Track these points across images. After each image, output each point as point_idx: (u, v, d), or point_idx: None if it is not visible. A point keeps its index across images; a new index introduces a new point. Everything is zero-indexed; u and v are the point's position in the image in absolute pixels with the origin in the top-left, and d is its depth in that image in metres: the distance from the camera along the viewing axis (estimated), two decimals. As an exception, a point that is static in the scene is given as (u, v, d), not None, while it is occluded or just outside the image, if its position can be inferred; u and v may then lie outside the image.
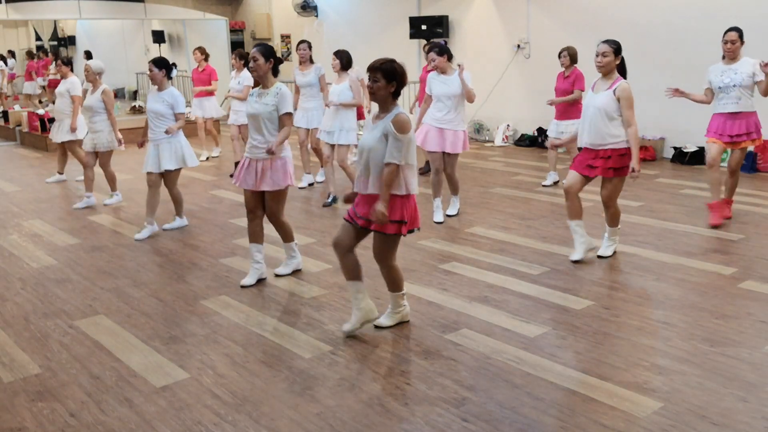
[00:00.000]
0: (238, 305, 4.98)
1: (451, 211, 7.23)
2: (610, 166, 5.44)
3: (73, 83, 8.82)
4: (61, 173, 9.69)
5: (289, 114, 5.20)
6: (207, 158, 11.24)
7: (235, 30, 16.88)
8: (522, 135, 11.79)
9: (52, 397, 3.75)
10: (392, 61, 4.14)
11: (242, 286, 5.35)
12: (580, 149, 5.65)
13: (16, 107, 15.05)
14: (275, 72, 5.25)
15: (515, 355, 4.07)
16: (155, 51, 17.89)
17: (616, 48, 5.38)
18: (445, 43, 7.10)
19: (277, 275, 5.54)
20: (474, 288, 5.17)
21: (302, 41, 8.65)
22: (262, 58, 5.14)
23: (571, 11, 10.88)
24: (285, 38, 16.00)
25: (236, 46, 16.43)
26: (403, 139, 4.08)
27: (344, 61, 7.68)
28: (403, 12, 12.99)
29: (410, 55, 12.73)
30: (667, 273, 5.39)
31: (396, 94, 4.19)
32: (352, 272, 4.37)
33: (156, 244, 6.56)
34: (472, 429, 3.33)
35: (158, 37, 17.70)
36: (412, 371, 3.92)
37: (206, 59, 10.96)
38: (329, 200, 7.92)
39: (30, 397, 3.76)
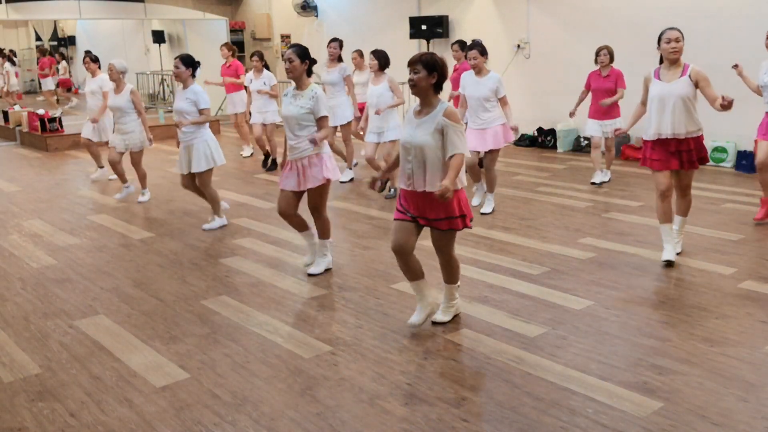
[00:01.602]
0: (238, 305, 4.98)
1: (486, 209, 7.27)
2: (696, 158, 5.42)
3: (104, 80, 8.91)
4: (101, 167, 9.70)
5: (326, 117, 5.22)
6: (251, 155, 11.21)
7: (235, 30, 16.88)
8: (522, 135, 11.78)
9: (52, 397, 3.75)
10: (432, 54, 4.15)
11: (309, 275, 5.51)
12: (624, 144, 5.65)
13: (16, 107, 15.05)
14: (309, 72, 5.26)
15: (515, 355, 4.07)
16: (155, 51, 17.90)
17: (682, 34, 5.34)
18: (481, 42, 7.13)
19: (310, 275, 5.51)
20: (474, 288, 5.17)
21: (334, 39, 8.79)
22: (297, 60, 5.14)
23: (571, 11, 10.89)
24: (285, 38, 15.99)
25: (236, 46, 16.43)
26: (460, 128, 4.06)
27: (382, 61, 7.70)
28: (403, 12, 12.99)
29: (410, 55, 12.71)
30: (667, 273, 5.39)
31: (438, 87, 4.14)
32: (418, 272, 4.37)
33: (156, 244, 6.56)
34: (472, 429, 3.33)
35: (158, 37, 17.71)
36: (412, 371, 3.92)
37: (233, 55, 11.02)
38: (391, 193, 8.02)
39: (30, 397, 3.76)
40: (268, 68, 10.21)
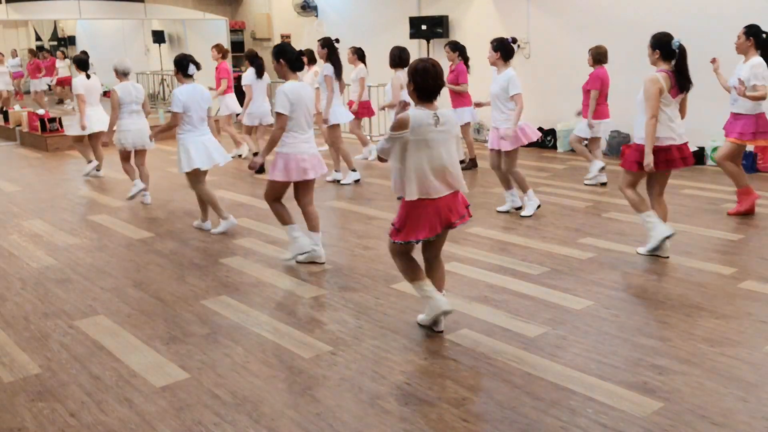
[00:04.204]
0: (238, 305, 4.98)
1: (528, 211, 7.10)
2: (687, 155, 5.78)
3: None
4: (91, 161, 9.73)
5: (278, 114, 5.36)
6: (240, 156, 10.89)
7: (235, 30, 16.87)
8: (522, 135, 11.78)
9: (52, 397, 3.75)
10: (418, 60, 4.08)
11: (298, 261, 5.81)
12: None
13: (17, 107, 15.04)
14: (293, 68, 5.45)
15: (515, 355, 4.07)
16: (155, 51, 17.91)
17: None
18: (513, 41, 6.85)
19: (299, 261, 5.79)
20: (474, 288, 5.17)
21: (318, 40, 8.75)
22: (274, 61, 5.41)
23: (571, 11, 10.89)
24: (285, 38, 15.99)
25: (236, 46, 16.43)
26: (386, 136, 4.09)
27: (392, 58, 7.70)
28: (403, 12, 12.98)
29: (411, 55, 12.70)
30: (667, 273, 5.39)
31: (420, 92, 4.02)
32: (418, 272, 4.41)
33: (156, 244, 6.56)
34: (472, 429, 3.33)
35: (158, 37, 17.70)
36: (412, 371, 3.92)
37: (223, 57, 10.95)
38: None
39: (30, 397, 3.76)
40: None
